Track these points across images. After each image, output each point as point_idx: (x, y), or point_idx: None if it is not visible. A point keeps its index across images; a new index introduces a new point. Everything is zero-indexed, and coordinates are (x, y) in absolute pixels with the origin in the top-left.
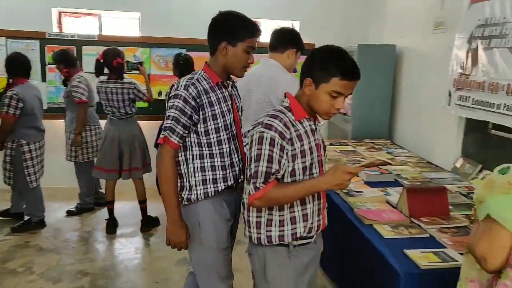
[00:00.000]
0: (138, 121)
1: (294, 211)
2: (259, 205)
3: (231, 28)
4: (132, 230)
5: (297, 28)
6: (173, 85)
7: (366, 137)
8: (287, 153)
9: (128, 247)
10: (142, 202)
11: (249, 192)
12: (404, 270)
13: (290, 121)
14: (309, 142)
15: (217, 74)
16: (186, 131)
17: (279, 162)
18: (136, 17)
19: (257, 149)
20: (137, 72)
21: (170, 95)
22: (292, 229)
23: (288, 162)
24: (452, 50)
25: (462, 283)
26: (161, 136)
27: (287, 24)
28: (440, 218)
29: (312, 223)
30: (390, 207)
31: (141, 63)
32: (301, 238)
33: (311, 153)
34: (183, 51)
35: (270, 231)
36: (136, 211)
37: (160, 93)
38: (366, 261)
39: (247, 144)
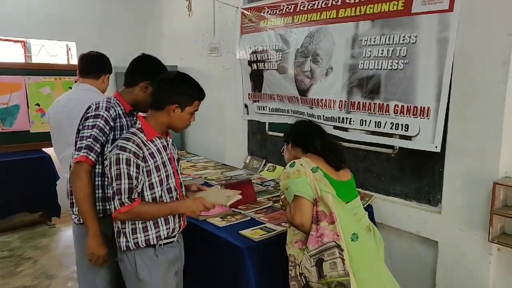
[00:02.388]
0: None
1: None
2: (123, 218)
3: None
4: None
5: (73, 49)
6: (90, 107)
7: None
8: (142, 170)
9: None
10: None
11: (115, 207)
12: (244, 245)
13: (142, 141)
14: (162, 158)
15: (129, 103)
16: (101, 148)
17: (137, 178)
18: None
19: (116, 169)
20: None
21: (88, 115)
22: (156, 233)
23: (145, 177)
24: (240, 71)
25: (289, 246)
26: (80, 154)
27: (62, 44)
28: (251, 204)
29: (174, 225)
30: None
31: None
32: (166, 238)
33: (165, 166)
34: None
35: (137, 237)
36: None
37: None
38: (212, 248)
39: (107, 165)
